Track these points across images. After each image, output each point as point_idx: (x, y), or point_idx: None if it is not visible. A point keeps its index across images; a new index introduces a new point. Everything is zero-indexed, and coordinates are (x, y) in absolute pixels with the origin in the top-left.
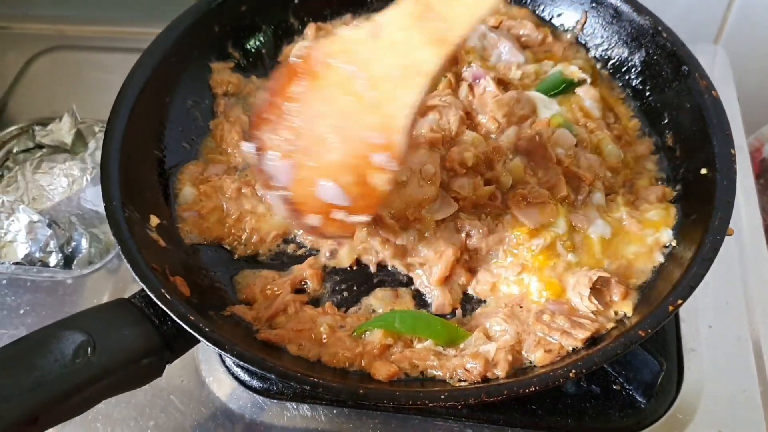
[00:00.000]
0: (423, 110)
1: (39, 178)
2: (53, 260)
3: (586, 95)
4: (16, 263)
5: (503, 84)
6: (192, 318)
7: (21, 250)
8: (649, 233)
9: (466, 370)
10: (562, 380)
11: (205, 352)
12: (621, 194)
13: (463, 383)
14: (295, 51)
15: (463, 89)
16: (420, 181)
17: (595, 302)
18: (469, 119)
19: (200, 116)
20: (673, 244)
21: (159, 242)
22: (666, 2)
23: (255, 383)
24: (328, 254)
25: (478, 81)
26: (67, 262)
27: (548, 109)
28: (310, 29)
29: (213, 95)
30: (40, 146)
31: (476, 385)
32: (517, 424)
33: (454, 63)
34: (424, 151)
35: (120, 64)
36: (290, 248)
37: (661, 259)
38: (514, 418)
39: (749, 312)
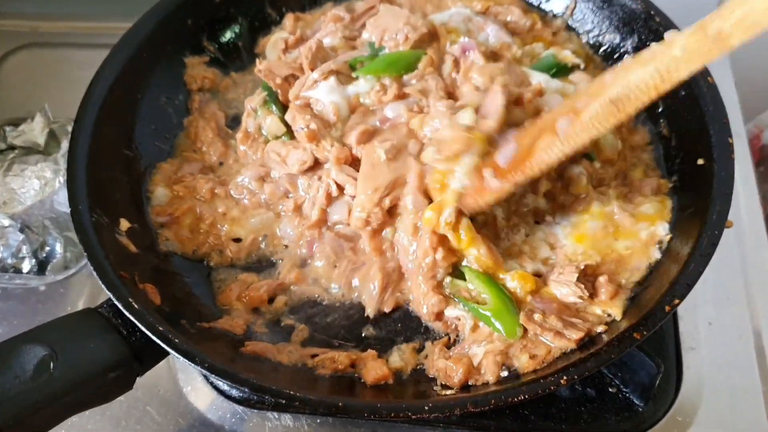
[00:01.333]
0: (400, 94)
1: (10, 180)
2: (26, 266)
3: (582, 81)
4: None
5: (495, 57)
6: (160, 328)
7: None
8: (643, 227)
9: (447, 375)
10: (552, 388)
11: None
12: (613, 186)
13: (449, 391)
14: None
15: (447, 65)
16: None
17: (582, 287)
18: (451, 98)
19: (174, 113)
20: (666, 239)
21: (129, 247)
22: None
23: (235, 393)
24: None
25: (466, 53)
26: (42, 267)
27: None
28: (289, 19)
29: (188, 91)
30: (12, 147)
31: (462, 395)
32: (509, 429)
33: (435, 39)
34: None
35: (96, 60)
36: (268, 250)
37: (658, 255)
38: (506, 424)
39: (751, 307)
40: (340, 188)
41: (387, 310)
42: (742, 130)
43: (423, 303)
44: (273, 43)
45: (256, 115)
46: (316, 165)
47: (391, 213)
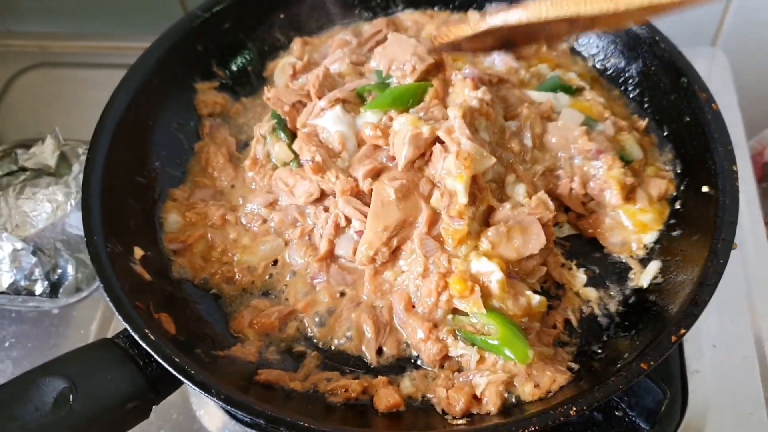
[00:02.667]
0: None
1: (22, 204)
2: (39, 288)
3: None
4: (1, 293)
5: (501, 83)
6: (177, 360)
7: (5, 280)
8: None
9: (449, 404)
10: (562, 418)
11: None
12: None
13: (460, 422)
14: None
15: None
16: None
17: None
18: None
19: (185, 139)
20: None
21: (143, 276)
22: None
23: (247, 417)
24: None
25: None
26: (54, 289)
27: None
28: (297, 44)
29: (198, 116)
30: (23, 169)
31: (473, 426)
32: None
33: (441, 69)
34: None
35: (105, 80)
36: (278, 277)
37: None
38: None
39: (755, 329)
40: (348, 220)
41: (390, 351)
42: (744, 147)
43: (423, 351)
44: (281, 68)
45: (265, 142)
46: (323, 196)
47: (395, 254)
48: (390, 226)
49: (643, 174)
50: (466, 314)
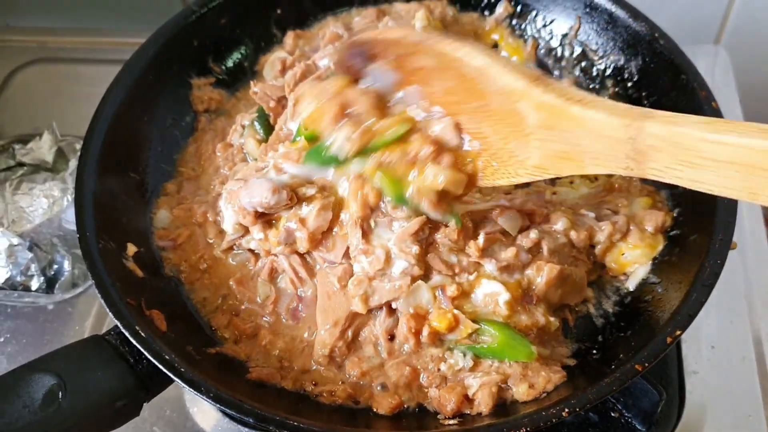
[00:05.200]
0: None
1: (19, 199)
2: (35, 284)
3: None
4: None
5: None
6: (167, 357)
7: (1, 275)
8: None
9: (440, 403)
10: (554, 420)
11: None
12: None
13: (451, 422)
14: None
15: None
16: None
17: None
18: None
19: (180, 135)
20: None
21: (136, 272)
22: (664, 2)
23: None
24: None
25: None
26: (50, 284)
27: None
28: (289, 38)
29: (194, 112)
30: (20, 164)
31: (465, 426)
32: None
33: None
34: None
35: (104, 76)
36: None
37: None
38: None
39: (754, 331)
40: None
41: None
42: None
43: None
44: (270, 63)
45: (243, 133)
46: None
47: (354, 341)
48: (340, 320)
49: (634, 206)
50: None
